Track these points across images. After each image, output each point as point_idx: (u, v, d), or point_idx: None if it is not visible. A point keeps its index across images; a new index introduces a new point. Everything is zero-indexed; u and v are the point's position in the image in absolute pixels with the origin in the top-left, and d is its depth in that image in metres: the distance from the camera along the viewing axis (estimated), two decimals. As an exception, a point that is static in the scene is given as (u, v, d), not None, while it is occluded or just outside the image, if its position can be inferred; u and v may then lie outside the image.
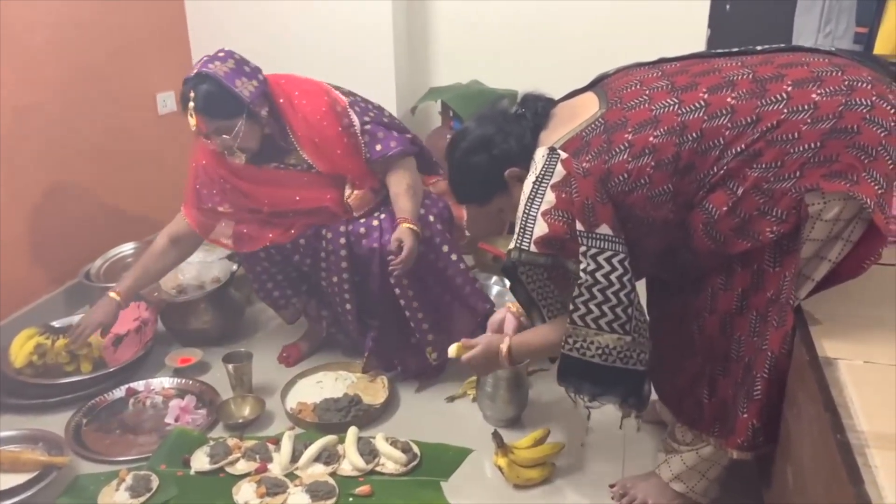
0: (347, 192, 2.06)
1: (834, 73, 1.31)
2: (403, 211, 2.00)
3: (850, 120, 1.26)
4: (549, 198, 1.39)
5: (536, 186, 1.41)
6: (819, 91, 1.29)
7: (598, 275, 1.37)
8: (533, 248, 1.41)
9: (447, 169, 1.64)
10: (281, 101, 1.99)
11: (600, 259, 1.36)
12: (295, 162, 2.04)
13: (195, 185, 2.12)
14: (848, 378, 1.18)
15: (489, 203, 1.60)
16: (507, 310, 1.78)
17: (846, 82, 1.29)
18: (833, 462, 1.03)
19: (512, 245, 1.44)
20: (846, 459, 0.99)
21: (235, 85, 1.88)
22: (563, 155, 1.40)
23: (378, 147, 2.01)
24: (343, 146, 2.00)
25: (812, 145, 1.28)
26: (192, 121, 1.89)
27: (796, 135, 1.28)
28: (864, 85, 1.29)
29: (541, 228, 1.39)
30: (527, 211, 1.41)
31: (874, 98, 1.27)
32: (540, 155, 1.44)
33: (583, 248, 1.36)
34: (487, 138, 1.53)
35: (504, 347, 1.62)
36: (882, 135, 1.25)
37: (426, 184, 2.14)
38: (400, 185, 2.04)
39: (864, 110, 1.26)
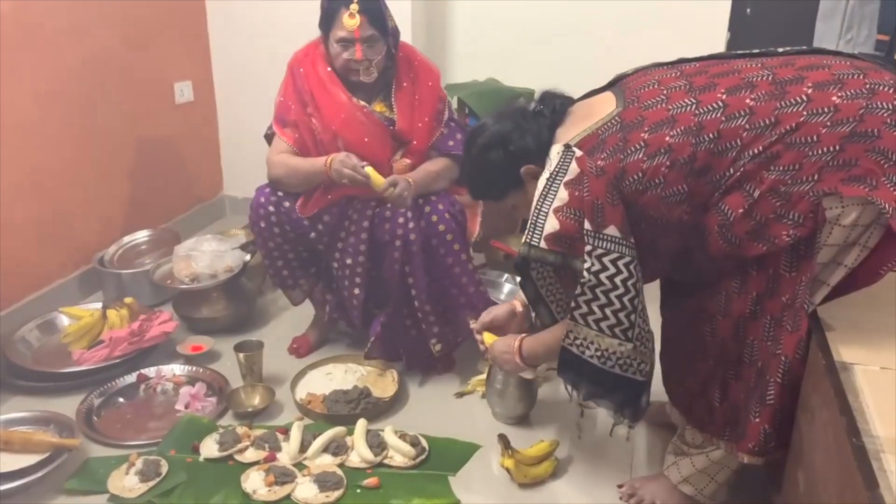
0: (397, 155, 2.12)
1: (856, 76, 1.30)
2: (415, 173, 2.07)
3: (870, 124, 1.25)
4: (562, 195, 1.39)
5: (550, 183, 1.41)
6: (840, 94, 1.28)
7: (603, 276, 1.36)
8: (543, 245, 1.41)
9: (464, 163, 1.65)
10: (400, 54, 2.12)
11: (605, 260, 1.36)
12: (379, 112, 2.11)
13: (283, 90, 2.15)
14: (864, 383, 1.17)
15: (503, 199, 1.60)
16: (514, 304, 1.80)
17: (868, 85, 1.28)
18: (847, 466, 1.02)
19: (523, 240, 1.44)
20: (861, 464, 0.98)
21: (387, 16, 2.03)
22: (578, 153, 1.40)
23: (450, 143, 2.15)
24: (430, 117, 2.14)
25: (831, 149, 1.27)
26: (354, 21, 1.95)
27: (815, 138, 1.27)
28: (886, 89, 1.28)
29: (552, 225, 1.39)
30: (539, 207, 1.41)
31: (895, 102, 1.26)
32: (555, 152, 1.44)
33: (588, 248, 1.36)
34: (504, 134, 1.53)
35: (516, 344, 1.66)
36: None
37: (456, 192, 2.18)
38: (435, 164, 2.13)
39: (886, 114, 1.25)
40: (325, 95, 2.07)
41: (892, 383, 1.19)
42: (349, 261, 2.12)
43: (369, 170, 1.96)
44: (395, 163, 2.12)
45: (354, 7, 1.95)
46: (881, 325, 1.36)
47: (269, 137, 2.22)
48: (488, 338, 1.81)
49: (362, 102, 2.10)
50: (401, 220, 2.05)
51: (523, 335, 1.70)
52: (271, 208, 2.12)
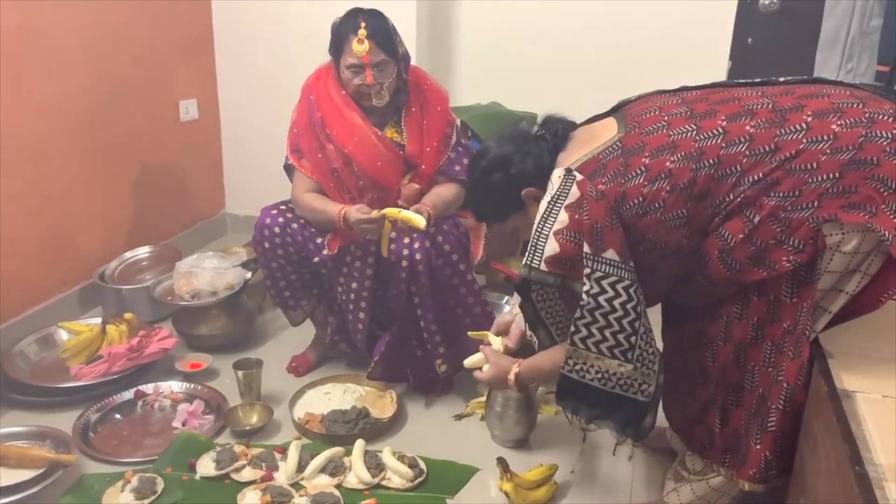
0: (406, 180, 2.14)
1: (855, 105, 1.32)
2: (431, 198, 2.08)
3: (869, 151, 1.27)
4: (563, 218, 1.40)
5: (551, 206, 1.42)
6: (839, 122, 1.30)
7: (602, 299, 1.36)
8: (543, 267, 1.41)
9: (467, 186, 1.66)
10: (410, 78, 2.14)
11: (604, 283, 1.36)
12: (390, 137, 2.13)
13: (296, 119, 2.17)
14: (866, 411, 1.17)
15: (505, 221, 1.62)
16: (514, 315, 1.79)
17: (867, 114, 1.30)
18: (850, 495, 1.01)
19: (523, 262, 1.45)
20: (864, 492, 0.98)
21: (396, 41, 2.04)
22: (579, 177, 1.41)
23: (457, 167, 2.16)
24: (439, 141, 2.15)
25: (831, 176, 1.28)
26: (363, 47, 1.97)
27: (815, 165, 1.29)
28: (886, 118, 1.29)
29: (552, 247, 1.40)
30: (540, 229, 1.42)
31: (895, 131, 1.28)
32: (557, 175, 1.45)
33: (587, 271, 1.36)
34: (506, 157, 1.55)
35: (512, 377, 1.64)
36: None
37: (460, 214, 2.19)
38: (447, 190, 2.14)
39: (885, 142, 1.27)
40: (339, 119, 2.08)
41: (894, 411, 1.19)
42: (354, 285, 2.12)
43: (396, 212, 1.93)
44: (404, 187, 2.13)
45: (363, 32, 1.97)
46: (883, 352, 1.35)
47: (288, 169, 2.21)
48: (494, 340, 1.80)
49: (375, 125, 2.11)
50: (406, 241, 2.05)
51: (519, 362, 1.66)
52: (277, 229, 2.12)
